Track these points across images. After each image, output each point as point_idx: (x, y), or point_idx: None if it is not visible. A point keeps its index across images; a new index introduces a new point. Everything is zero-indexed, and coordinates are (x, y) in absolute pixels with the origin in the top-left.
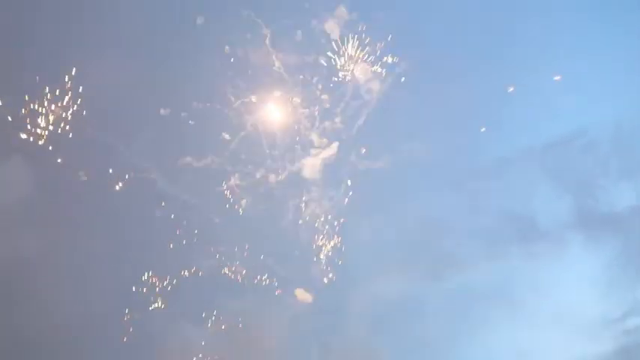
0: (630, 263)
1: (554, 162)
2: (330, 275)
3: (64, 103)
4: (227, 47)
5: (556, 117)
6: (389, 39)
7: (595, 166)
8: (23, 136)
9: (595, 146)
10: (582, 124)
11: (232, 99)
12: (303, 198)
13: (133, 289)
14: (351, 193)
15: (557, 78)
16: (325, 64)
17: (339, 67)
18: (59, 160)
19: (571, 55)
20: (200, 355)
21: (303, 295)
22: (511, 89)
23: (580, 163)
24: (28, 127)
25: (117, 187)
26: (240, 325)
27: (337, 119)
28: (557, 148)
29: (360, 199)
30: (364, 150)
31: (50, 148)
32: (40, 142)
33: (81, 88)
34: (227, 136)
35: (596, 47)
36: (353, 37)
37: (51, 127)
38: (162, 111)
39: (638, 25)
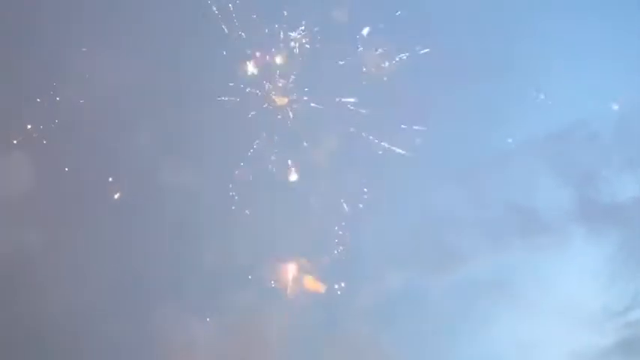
0: (632, 255)
1: (556, 153)
2: (343, 284)
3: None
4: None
5: (557, 108)
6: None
7: (597, 157)
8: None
9: (597, 137)
10: (584, 115)
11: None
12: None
13: (136, 284)
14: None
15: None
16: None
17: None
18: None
19: (573, 46)
20: (204, 351)
21: (311, 284)
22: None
23: (582, 154)
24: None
25: (118, 182)
26: (244, 320)
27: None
28: (558, 139)
29: (363, 192)
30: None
31: (53, 145)
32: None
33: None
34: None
35: (597, 38)
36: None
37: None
38: None
39: (639, 16)
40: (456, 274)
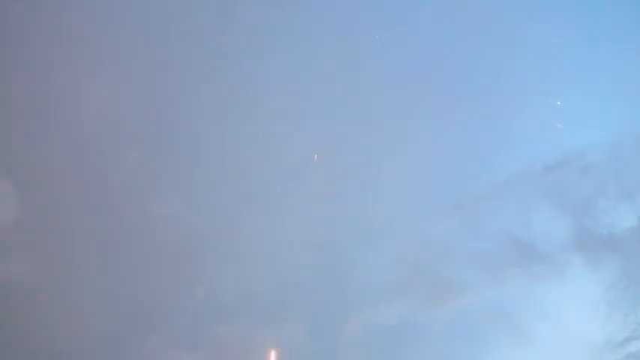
0: (631, 286)
1: (553, 184)
2: None
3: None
4: None
5: (554, 139)
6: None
7: (594, 187)
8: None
9: (593, 168)
10: (580, 146)
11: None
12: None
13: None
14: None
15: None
16: None
17: None
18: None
19: (568, 77)
20: None
21: None
22: None
23: (579, 185)
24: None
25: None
26: (233, 352)
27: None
28: (555, 170)
29: (356, 223)
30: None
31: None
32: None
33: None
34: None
35: (593, 69)
36: None
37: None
38: None
39: (634, 48)
40: (453, 306)
